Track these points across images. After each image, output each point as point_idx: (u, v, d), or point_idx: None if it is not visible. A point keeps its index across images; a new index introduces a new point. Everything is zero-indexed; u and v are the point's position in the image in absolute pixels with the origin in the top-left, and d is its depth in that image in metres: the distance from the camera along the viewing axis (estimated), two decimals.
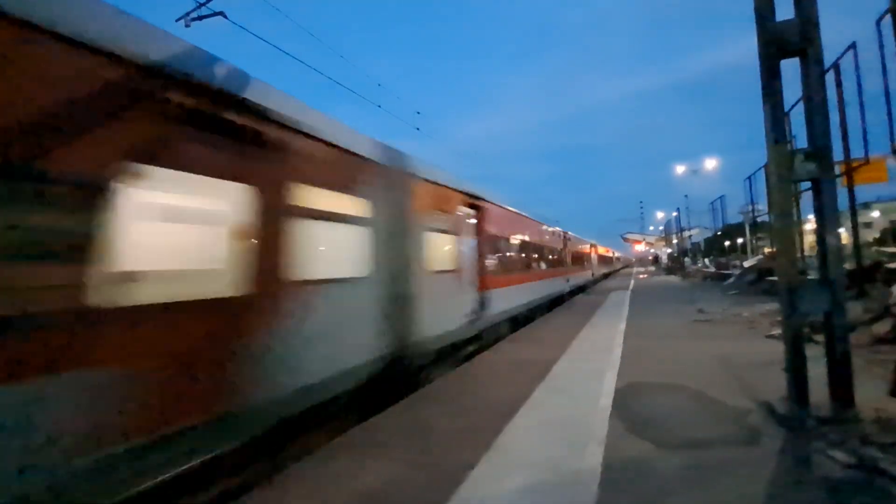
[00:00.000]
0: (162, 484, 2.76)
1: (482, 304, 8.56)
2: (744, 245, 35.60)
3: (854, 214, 9.84)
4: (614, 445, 3.66)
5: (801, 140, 4.56)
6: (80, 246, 2.47)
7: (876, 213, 61.39)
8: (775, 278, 14.28)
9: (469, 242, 8.40)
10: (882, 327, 6.64)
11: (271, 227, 3.73)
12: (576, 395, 5.08)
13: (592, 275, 28.16)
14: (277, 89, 4.05)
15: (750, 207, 24.16)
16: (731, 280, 21.65)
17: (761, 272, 18.49)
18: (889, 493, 2.78)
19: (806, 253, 13.30)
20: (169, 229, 3.14)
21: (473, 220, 8.70)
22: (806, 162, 4.19)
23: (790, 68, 4.31)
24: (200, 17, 8.42)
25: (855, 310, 7.01)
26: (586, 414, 4.42)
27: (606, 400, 4.81)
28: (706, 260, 45.18)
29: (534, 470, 3.31)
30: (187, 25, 8.76)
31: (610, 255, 48.43)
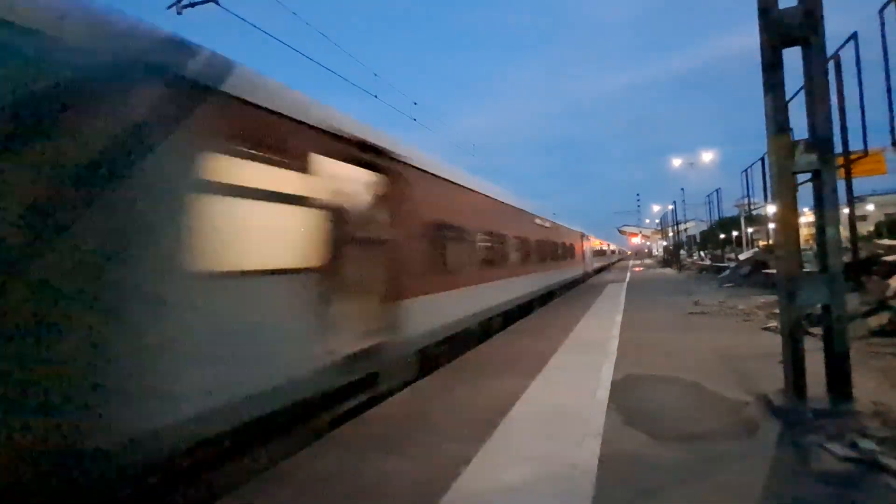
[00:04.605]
0: None
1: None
2: (739, 238, 35.71)
3: (852, 207, 9.84)
4: (611, 438, 3.64)
5: (798, 132, 4.50)
6: None
7: (871, 207, 61.66)
8: (771, 271, 14.39)
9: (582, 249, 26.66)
10: (878, 320, 6.65)
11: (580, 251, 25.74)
12: (572, 387, 5.06)
13: (609, 261, 50.51)
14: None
15: (746, 200, 24.19)
16: (727, 273, 21.71)
17: (756, 265, 18.57)
18: (886, 486, 2.77)
19: (802, 246, 13.38)
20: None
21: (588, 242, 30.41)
22: (806, 153, 4.15)
23: (788, 60, 4.26)
24: (192, 4, 8.25)
25: (851, 302, 7.01)
26: (583, 406, 4.40)
27: (603, 392, 4.79)
28: (702, 252, 45.35)
29: (530, 463, 3.28)
30: (179, 13, 8.58)
31: (613, 248, 69.96)
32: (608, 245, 53.49)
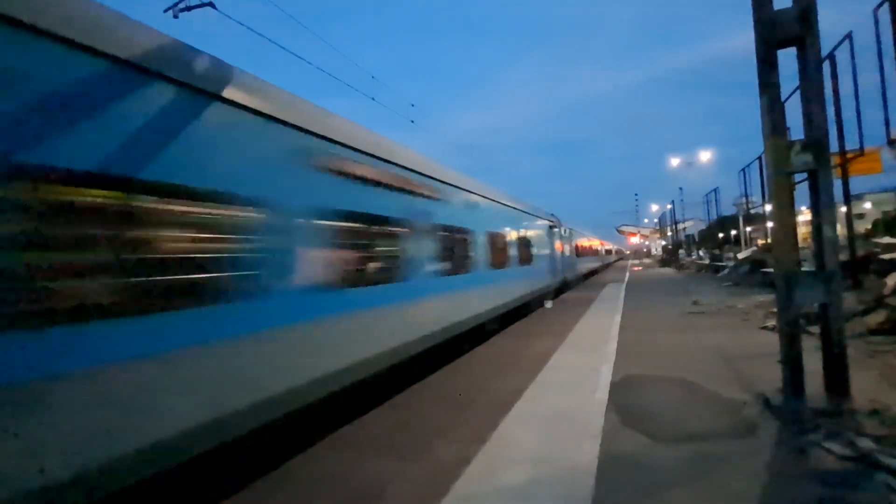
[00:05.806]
0: None
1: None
2: (738, 237, 35.77)
3: (849, 206, 9.87)
4: (610, 439, 3.64)
5: (794, 132, 4.52)
6: None
7: (868, 205, 61.82)
8: (769, 270, 14.44)
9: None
10: (876, 318, 6.67)
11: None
12: (572, 388, 5.06)
13: (613, 258, 52.23)
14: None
15: (744, 199, 24.22)
16: (726, 272, 21.75)
17: (755, 264, 18.59)
18: (885, 485, 2.78)
19: (800, 245, 13.41)
20: None
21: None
22: (802, 153, 4.16)
23: (783, 61, 4.27)
24: (189, 8, 8.26)
25: (849, 301, 7.03)
26: (582, 407, 4.40)
27: (602, 393, 4.80)
28: (700, 252, 45.48)
29: (530, 464, 3.28)
30: (175, 16, 8.59)
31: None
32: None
